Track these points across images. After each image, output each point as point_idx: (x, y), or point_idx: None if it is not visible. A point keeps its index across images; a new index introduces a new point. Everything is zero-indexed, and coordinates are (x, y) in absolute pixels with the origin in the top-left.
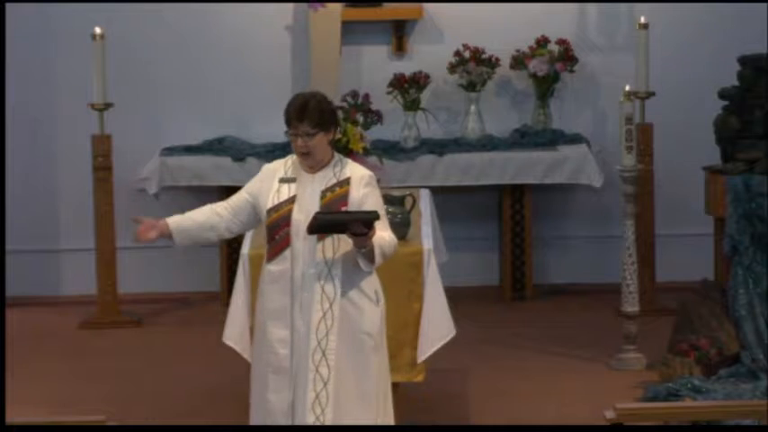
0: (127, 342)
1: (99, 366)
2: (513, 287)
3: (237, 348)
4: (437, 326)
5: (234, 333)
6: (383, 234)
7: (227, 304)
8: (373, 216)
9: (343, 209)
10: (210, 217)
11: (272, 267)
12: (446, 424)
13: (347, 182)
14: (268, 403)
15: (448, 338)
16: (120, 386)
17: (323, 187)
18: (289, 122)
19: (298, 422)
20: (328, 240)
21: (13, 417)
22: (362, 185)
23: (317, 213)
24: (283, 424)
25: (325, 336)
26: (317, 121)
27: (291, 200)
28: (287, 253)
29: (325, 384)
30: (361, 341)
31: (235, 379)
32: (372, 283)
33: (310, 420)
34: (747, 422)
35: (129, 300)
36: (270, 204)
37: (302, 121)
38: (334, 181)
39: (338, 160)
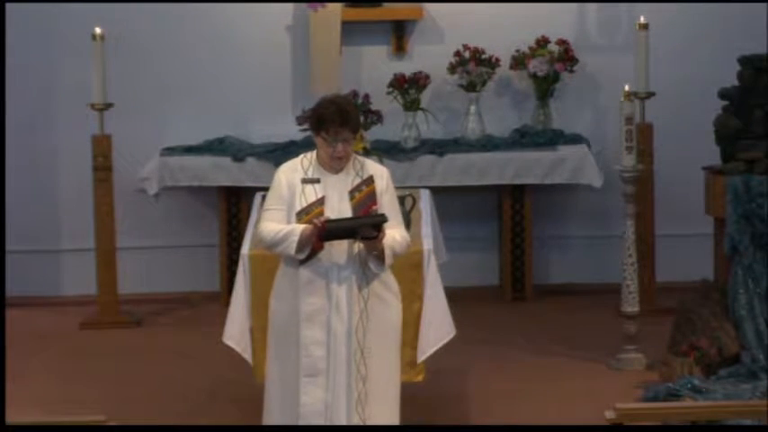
0: (127, 342)
1: (99, 366)
2: (513, 287)
3: (237, 348)
4: (437, 326)
5: (234, 333)
6: (394, 234)
7: (227, 304)
8: (381, 219)
9: (374, 207)
10: None
11: (306, 270)
12: (446, 424)
13: (371, 180)
14: (302, 406)
15: (448, 338)
16: (120, 386)
17: (349, 187)
18: (325, 128)
19: (336, 422)
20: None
21: (13, 417)
22: (384, 184)
23: (327, 222)
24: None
25: (363, 335)
26: (356, 128)
27: (320, 201)
28: (321, 255)
29: (365, 383)
30: (389, 336)
31: (234, 379)
32: (393, 278)
33: (355, 420)
34: (747, 422)
35: (129, 300)
36: (298, 207)
37: (344, 127)
38: (359, 180)
39: (355, 158)
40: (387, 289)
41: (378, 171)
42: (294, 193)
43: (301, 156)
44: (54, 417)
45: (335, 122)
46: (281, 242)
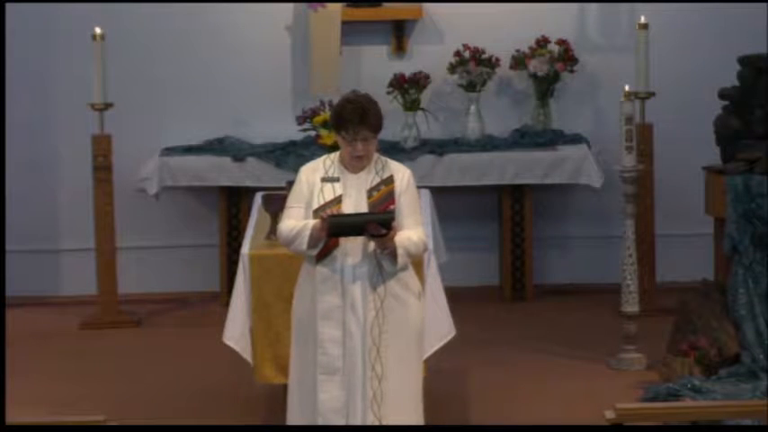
0: (127, 342)
1: (99, 366)
2: (513, 287)
3: (237, 348)
4: (437, 326)
5: (234, 333)
6: (409, 233)
7: (227, 304)
8: (388, 217)
9: (391, 207)
10: None
11: (322, 267)
12: (446, 424)
13: (391, 180)
14: (319, 404)
15: (448, 338)
16: (120, 386)
17: (368, 186)
18: (345, 127)
19: (352, 421)
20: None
21: (13, 417)
22: (404, 183)
23: (329, 216)
24: (336, 423)
25: (378, 334)
26: (377, 127)
27: (338, 200)
28: (336, 252)
29: (380, 382)
30: (408, 336)
31: (235, 379)
32: (415, 278)
33: (370, 419)
34: (747, 422)
35: (129, 300)
36: (315, 204)
37: (363, 126)
38: (378, 180)
39: (378, 158)
40: (405, 289)
41: (399, 171)
42: (313, 191)
43: (324, 156)
44: (54, 417)
45: (354, 121)
46: (296, 238)
